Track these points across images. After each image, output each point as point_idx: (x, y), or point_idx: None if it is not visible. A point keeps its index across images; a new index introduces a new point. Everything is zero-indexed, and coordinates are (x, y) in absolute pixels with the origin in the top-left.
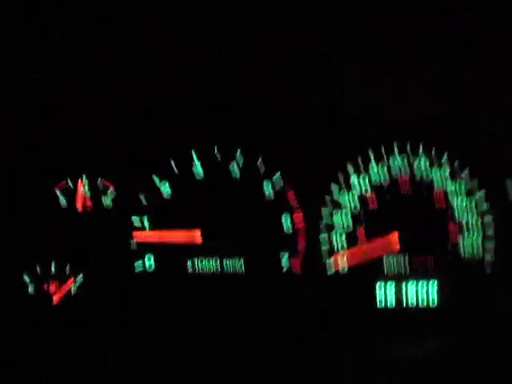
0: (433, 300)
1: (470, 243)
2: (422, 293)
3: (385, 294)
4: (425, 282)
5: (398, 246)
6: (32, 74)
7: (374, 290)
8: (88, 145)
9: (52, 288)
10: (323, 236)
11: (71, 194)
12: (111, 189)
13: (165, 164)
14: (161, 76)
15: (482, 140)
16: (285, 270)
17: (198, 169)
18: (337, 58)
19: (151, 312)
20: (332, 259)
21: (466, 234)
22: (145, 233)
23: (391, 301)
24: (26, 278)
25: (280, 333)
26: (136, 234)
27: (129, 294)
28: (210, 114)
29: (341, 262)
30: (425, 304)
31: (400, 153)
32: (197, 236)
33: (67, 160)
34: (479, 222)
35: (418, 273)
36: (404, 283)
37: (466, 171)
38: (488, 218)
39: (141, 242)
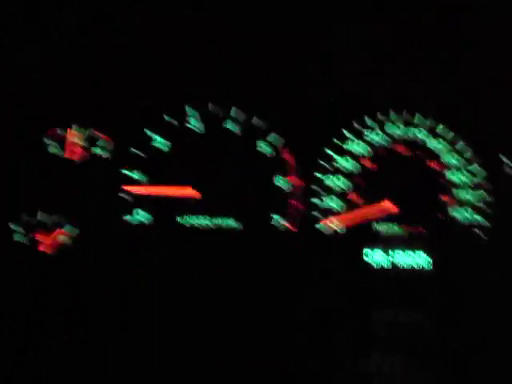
0: (421, 265)
1: (464, 216)
2: (411, 259)
3: (375, 256)
4: (413, 252)
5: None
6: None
7: (363, 251)
8: (80, 94)
9: (40, 237)
10: (316, 199)
11: (60, 143)
12: (102, 140)
13: (159, 118)
14: (157, 30)
15: (479, 112)
16: (276, 229)
17: (192, 123)
18: (338, 28)
19: (141, 266)
20: (324, 222)
21: (459, 206)
22: (136, 187)
23: (382, 262)
24: (13, 227)
25: (274, 291)
26: (127, 187)
27: (118, 246)
28: (205, 70)
29: (332, 224)
30: (415, 266)
31: (396, 121)
32: (190, 192)
33: (58, 108)
34: (472, 195)
35: (409, 243)
36: (393, 251)
37: (462, 143)
38: (482, 191)
39: (132, 194)
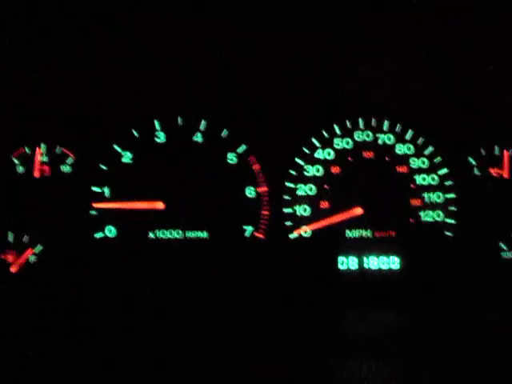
0: (394, 268)
1: (432, 219)
2: (384, 262)
3: (347, 261)
4: (387, 257)
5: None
6: None
7: (337, 257)
8: (46, 112)
9: (10, 258)
10: (287, 209)
11: (29, 162)
12: (71, 157)
13: (127, 133)
14: (127, 46)
15: (445, 118)
16: (248, 238)
17: (160, 138)
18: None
19: (112, 280)
20: (295, 230)
21: (428, 210)
22: (106, 203)
23: (353, 266)
24: None
25: (243, 299)
26: (96, 204)
27: (88, 262)
28: (174, 83)
29: (304, 232)
30: (386, 268)
31: (365, 128)
32: (159, 206)
33: (25, 127)
34: (442, 198)
35: (381, 248)
36: (367, 255)
37: (431, 148)
38: (451, 194)
39: (101, 209)
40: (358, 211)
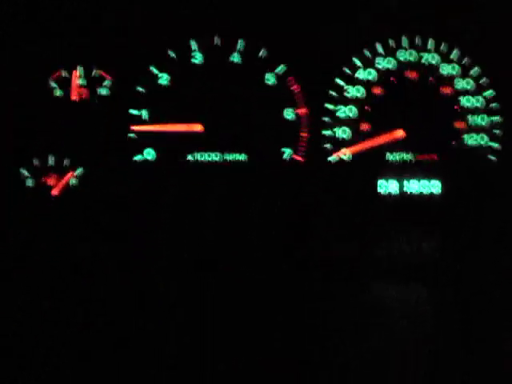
0: (436, 192)
1: (476, 143)
2: (426, 187)
3: (387, 185)
4: (427, 181)
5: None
6: None
7: (377, 180)
8: (83, 34)
9: (51, 181)
10: (327, 131)
11: (66, 85)
12: (108, 79)
13: (163, 54)
14: None
15: (492, 37)
16: (287, 160)
17: (198, 58)
18: None
19: (152, 205)
20: (335, 153)
21: (472, 132)
22: (144, 126)
23: (394, 190)
24: (24, 172)
25: (283, 224)
26: (134, 127)
27: (129, 186)
28: (210, 2)
29: (344, 155)
30: (428, 193)
31: (409, 47)
32: (198, 128)
33: (61, 50)
34: (487, 121)
35: (423, 170)
36: (407, 180)
37: (476, 69)
38: (497, 118)
39: (139, 132)
40: (400, 134)
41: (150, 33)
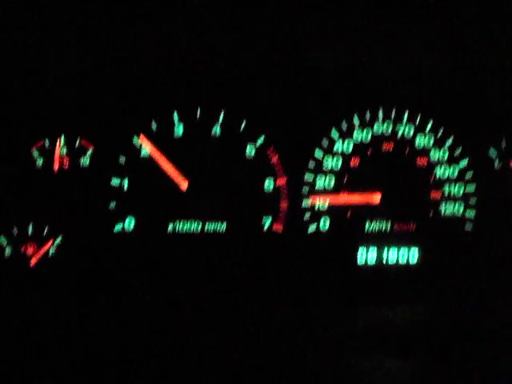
0: (413, 261)
1: (452, 211)
2: (403, 256)
3: (366, 255)
4: (406, 249)
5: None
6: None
7: (356, 250)
8: (67, 104)
9: (30, 250)
10: (306, 200)
11: (48, 155)
12: (90, 149)
13: (146, 125)
14: (143, 36)
15: (467, 108)
16: (266, 230)
17: (179, 130)
18: (319, 23)
19: (131, 272)
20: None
21: (448, 202)
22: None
23: (372, 260)
24: (3, 241)
25: (259, 291)
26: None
27: (108, 255)
28: (193, 75)
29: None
30: (405, 262)
31: (385, 119)
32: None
33: (45, 119)
34: (462, 190)
35: (400, 239)
36: (385, 248)
37: (451, 139)
38: (471, 187)
39: (119, 202)
40: (377, 198)
41: (133, 104)
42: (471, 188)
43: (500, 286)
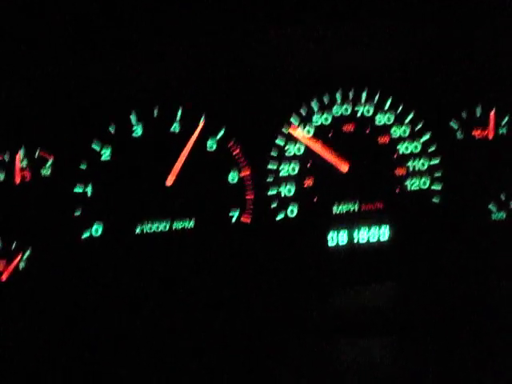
0: (384, 239)
1: (418, 186)
2: (374, 234)
3: (337, 237)
4: (376, 227)
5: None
6: None
7: (326, 233)
8: (23, 116)
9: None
10: (272, 191)
11: (9, 168)
12: (50, 160)
13: (104, 130)
14: (96, 38)
15: (423, 82)
16: (234, 223)
17: (137, 131)
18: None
19: (102, 278)
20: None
21: (413, 177)
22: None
23: (343, 241)
24: None
25: (232, 284)
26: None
27: (78, 263)
28: (148, 74)
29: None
30: (376, 240)
31: (343, 100)
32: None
33: (2, 134)
34: (427, 165)
35: (369, 218)
36: (356, 229)
37: (411, 115)
38: (435, 160)
39: (85, 209)
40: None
41: (89, 110)
42: (436, 161)
43: (471, 257)
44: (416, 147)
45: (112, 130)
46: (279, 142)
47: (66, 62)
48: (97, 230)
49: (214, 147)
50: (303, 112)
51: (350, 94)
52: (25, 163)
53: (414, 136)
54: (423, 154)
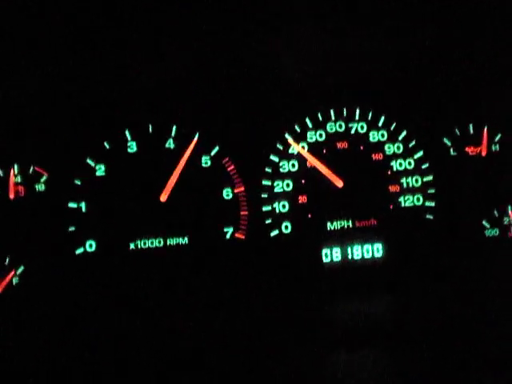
0: (378, 255)
1: (412, 203)
2: (368, 250)
3: (331, 253)
4: (370, 244)
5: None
6: None
7: (320, 249)
8: (18, 132)
9: None
10: (266, 207)
11: (3, 184)
12: (45, 176)
13: (99, 146)
14: (91, 57)
15: (416, 100)
16: (229, 240)
17: (132, 147)
18: (268, 29)
19: (96, 294)
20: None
21: (407, 194)
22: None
23: (337, 257)
24: None
25: (227, 300)
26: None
27: (72, 279)
28: (142, 92)
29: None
30: (370, 256)
31: (337, 118)
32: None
33: None
34: (420, 181)
35: (363, 235)
36: (349, 246)
37: (404, 132)
38: (429, 177)
39: (79, 225)
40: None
41: (85, 126)
42: (429, 178)
43: (465, 271)
44: (409, 164)
45: (107, 145)
46: (273, 158)
47: (63, 68)
48: (91, 245)
49: (209, 163)
50: (298, 129)
51: (344, 111)
52: (19, 178)
53: (407, 153)
54: (416, 170)
